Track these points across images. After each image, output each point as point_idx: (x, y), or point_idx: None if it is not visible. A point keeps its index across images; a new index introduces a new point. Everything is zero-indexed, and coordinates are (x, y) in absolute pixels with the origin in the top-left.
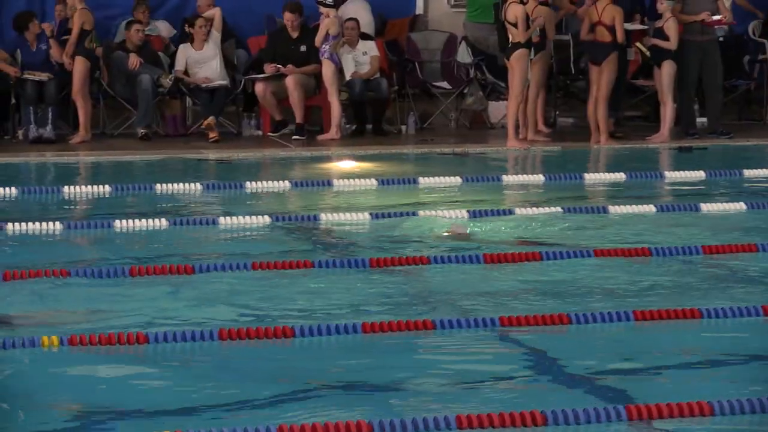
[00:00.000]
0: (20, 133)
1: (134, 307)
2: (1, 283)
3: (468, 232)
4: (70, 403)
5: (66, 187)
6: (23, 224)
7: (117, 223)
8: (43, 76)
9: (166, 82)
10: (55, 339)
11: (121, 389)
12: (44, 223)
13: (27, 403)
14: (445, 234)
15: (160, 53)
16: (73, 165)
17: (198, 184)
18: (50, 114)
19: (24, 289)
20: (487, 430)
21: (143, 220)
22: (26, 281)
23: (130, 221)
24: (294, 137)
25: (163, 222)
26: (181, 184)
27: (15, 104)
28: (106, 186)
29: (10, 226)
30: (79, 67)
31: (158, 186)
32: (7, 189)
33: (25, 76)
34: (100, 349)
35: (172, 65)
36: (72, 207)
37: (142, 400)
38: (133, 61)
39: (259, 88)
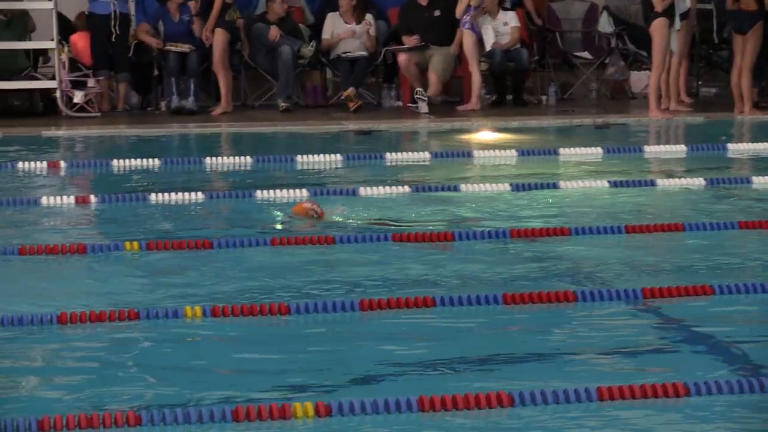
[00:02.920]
0: (162, 104)
1: (279, 276)
2: (145, 253)
3: (314, 209)
4: (215, 373)
5: (208, 159)
6: (166, 195)
7: (258, 194)
8: (185, 48)
9: (307, 53)
10: (198, 309)
11: (269, 360)
12: (186, 194)
13: (172, 374)
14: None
15: (300, 25)
16: (215, 136)
17: (338, 155)
18: (192, 85)
19: (167, 259)
20: (628, 402)
21: (284, 191)
22: (168, 252)
23: (271, 192)
24: (423, 112)
25: (304, 193)
26: (321, 156)
27: (157, 76)
28: (248, 157)
29: (153, 196)
30: (219, 39)
31: (299, 157)
32: (150, 160)
33: (168, 47)
34: (243, 320)
35: (312, 37)
36: (214, 178)
37: (299, 368)
38: (274, 32)
39: (402, 59)
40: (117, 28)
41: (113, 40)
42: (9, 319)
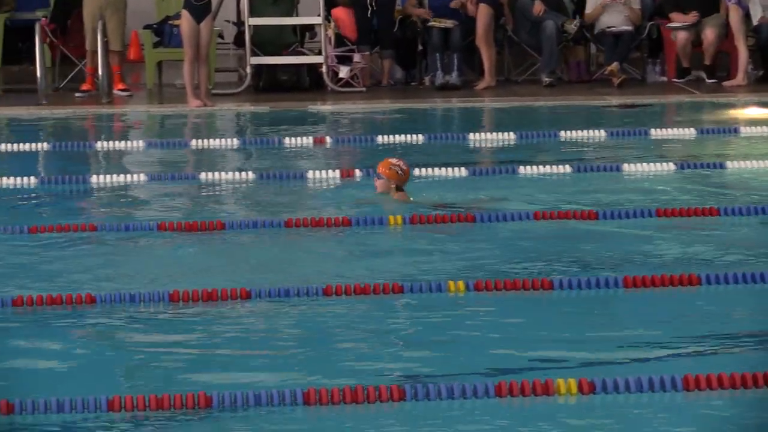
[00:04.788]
0: (426, 79)
1: (542, 249)
2: (409, 228)
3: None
4: (477, 347)
5: (471, 134)
6: (428, 169)
7: (522, 169)
8: (449, 24)
9: (571, 28)
10: (461, 284)
11: (530, 335)
12: (449, 169)
13: (434, 348)
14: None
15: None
16: (478, 111)
17: (602, 131)
18: (455, 61)
19: (430, 234)
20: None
21: (548, 167)
22: (432, 226)
23: (535, 167)
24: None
25: (567, 168)
26: (584, 131)
27: (422, 51)
28: (511, 133)
29: (416, 171)
30: (483, 14)
31: (562, 132)
32: (414, 135)
33: (431, 23)
34: (505, 294)
35: (576, 12)
36: (477, 153)
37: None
38: (538, 7)
39: (681, 38)
40: (374, 3)
41: (377, 15)
42: (276, 291)
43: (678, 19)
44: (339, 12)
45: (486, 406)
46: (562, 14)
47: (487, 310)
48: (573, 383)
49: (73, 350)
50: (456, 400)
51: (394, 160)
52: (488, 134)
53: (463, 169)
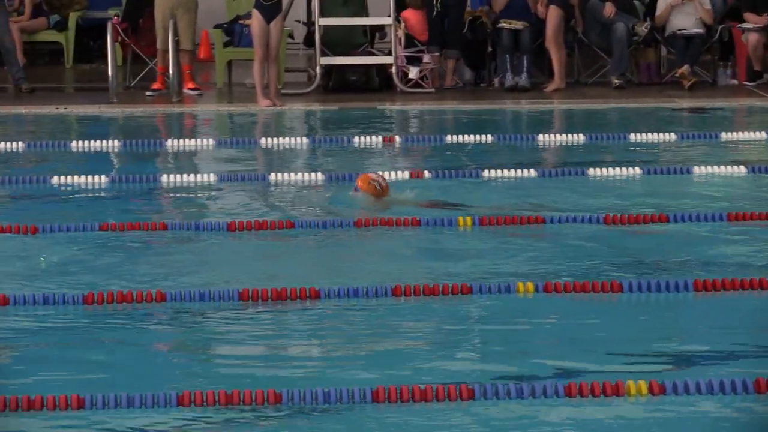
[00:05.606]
0: (496, 81)
1: (609, 252)
2: (478, 229)
3: (378, 182)
4: (546, 348)
5: (540, 135)
6: (498, 171)
7: (591, 171)
8: (519, 25)
9: (641, 30)
10: (530, 286)
11: (599, 336)
12: (519, 170)
13: (503, 348)
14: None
15: (635, 1)
16: (547, 113)
17: (672, 134)
18: (525, 62)
19: (500, 235)
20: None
21: (617, 169)
22: (500, 227)
23: (604, 170)
24: None
25: (637, 171)
26: (654, 134)
27: (491, 52)
28: (580, 135)
29: (485, 172)
30: (553, 16)
31: (632, 135)
32: (483, 136)
33: (501, 24)
34: (574, 296)
35: (647, 14)
36: (546, 155)
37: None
38: (609, 9)
39: (753, 39)
40: (441, 4)
41: (447, 16)
42: (345, 291)
43: (751, 20)
44: (409, 14)
45: (555, 406)
46: (632, 16)
47: (555, 311)
48: (643, 385)
49: (142, 347)
50: (525, 400)
51: (373, 176)
52: (557, 136)
53: (532, 170)
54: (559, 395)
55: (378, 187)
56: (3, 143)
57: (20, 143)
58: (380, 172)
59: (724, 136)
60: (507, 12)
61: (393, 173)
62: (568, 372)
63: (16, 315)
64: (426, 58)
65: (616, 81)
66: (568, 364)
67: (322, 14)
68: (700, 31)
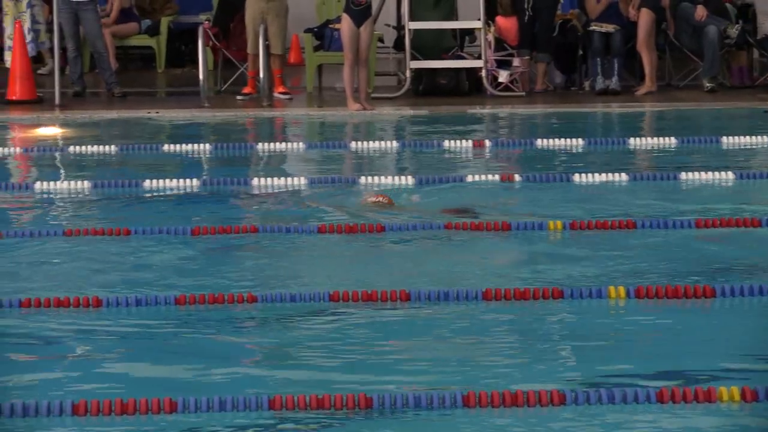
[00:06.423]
0: (587, 84)
1: (703, 257)
2: (568, 233)
3: (379, 200)
4: (638, 353)
5: (631, 139)
6: (589, 175)
7: (682, 175)
8: (610, 28)
9: (733, 32)
10: (622, 290)
11: (692, 342)
12: (610, 175)
13: (593, 353)
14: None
15: (726, 4)
16: (638, 116)
17: (765, 137)
18: (616, 65)
19: (590, 238)
20: None
21: (708, 173)
22: (591, 231)
23: (696, 173)
24: None
25: (729, 174)
26: (747, 137)
27: (582, 55)
28: (672, 138)
29: (576, 176)
30: (644, 19)
31: (724, 138)
32: (573, 140)
33: (592, 27)
34: (666, 302)
35: (739, 16)
36: (637, 158)
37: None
38: (701, 12)
39: None
40: (530, 8)
41: (537, 19)
42: (436, 294)
43: None
44: (500, 19)
45: (647, 412)
46: (724, 19)
47: (647, 316)
48: (735, 391)
49: (233, 349)
50: (616, 405)
51: (372, 199)
52: (648, 139)
53: (623, 174)
54: (651, 401)
55: (384, 203)
56: (96, 147)
57: (113, 147)
58: (376, 193)
59: None
60: (598, 15)
61: (483, 176)
62: (660, 377)
63: (110, 317)
64: (516, 61)
65: (708, 84)
66: (660, 369)
67: (412, 18)
68: None
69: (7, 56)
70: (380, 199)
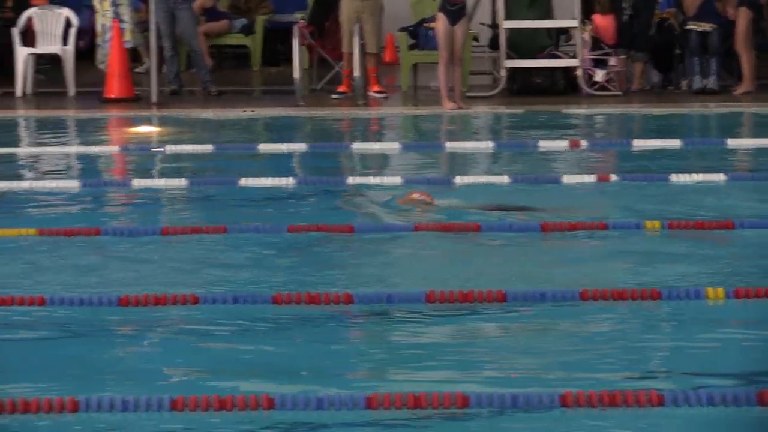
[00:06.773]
0: (684, 83)
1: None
2: (666, 233)
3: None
4: (742, 356)
5: (730, 139)
6: (688, 175)
7: None
8: (707, 27)
9: None
10: (720, 291)
11: None
12: (707, 175)
13: (709, 354)
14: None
15: None
16: (737, 116)
17: None
18: (713, 64)
19: (684, 239)
20: None
21: None
22: (685, 231)
23: None
24: None
25: None
26: None
27: (679, 55)
28: None
29: (673, 177)
30: (743, 18)
31: None
32: (671, 140)
33: (690, 26)
34: (766, 302)
35: None
36: (735, 158)
37: None
38: None
39: None
40: (631, 7)
41: (636, 18)
42: (532, 294)
43: None
44: (598, 17)
45: (746, 414)
46: None
47: (746, 317)
48: None
49: (330, 348)
50: (716, 408)
51: (416, 196)
52: (747, 139)
53: (721, 174)
54: (751, 402)
55: (425, 202)
56: (192, 146)
57: (209, 145)
58: (421, 191)
59: None
60: (696, 14)
61: (580, 176)
62: (759, 379)
63: (206, 314)
64: (612, 60)
65: None
66: (759, 371)
67: (508, 17)
68: None
69: (99, 55)
70: (423, 197)
